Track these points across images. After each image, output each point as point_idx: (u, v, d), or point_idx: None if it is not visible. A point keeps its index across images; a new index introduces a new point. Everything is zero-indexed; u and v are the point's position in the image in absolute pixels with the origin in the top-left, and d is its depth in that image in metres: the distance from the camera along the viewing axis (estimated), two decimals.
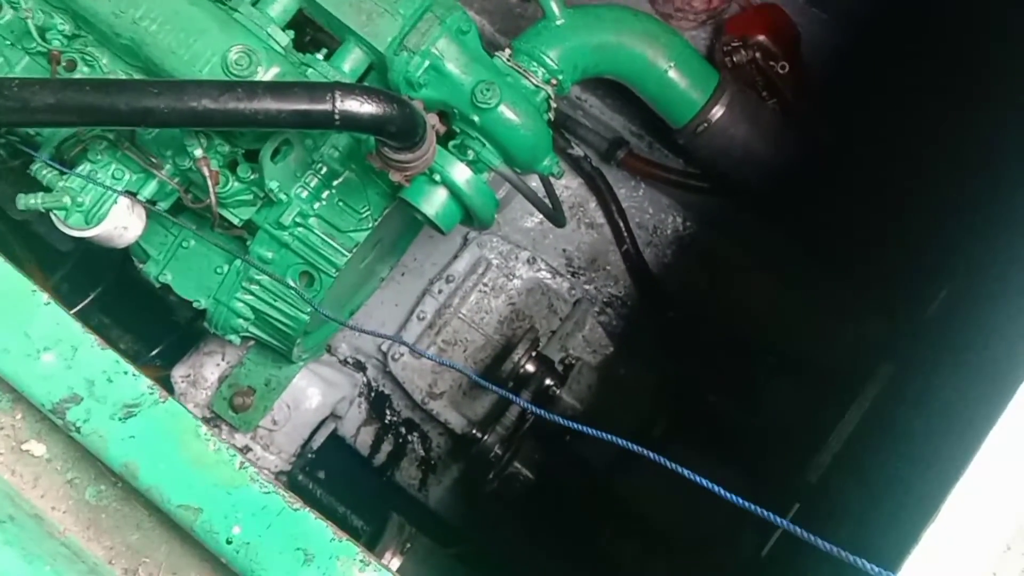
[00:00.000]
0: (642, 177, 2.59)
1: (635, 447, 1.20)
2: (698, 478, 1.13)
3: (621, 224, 2.56)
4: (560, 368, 2.33)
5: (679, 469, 1.15)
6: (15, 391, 0.70)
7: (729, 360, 2.35)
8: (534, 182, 2.01)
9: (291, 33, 1.75)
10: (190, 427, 0.66)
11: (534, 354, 2.27)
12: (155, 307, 2.54)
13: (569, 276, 2.60)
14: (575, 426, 1.29)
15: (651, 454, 1.18)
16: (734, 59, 2.40)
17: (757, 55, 2.42)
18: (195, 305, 1.96)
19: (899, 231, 2.24)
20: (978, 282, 1.79)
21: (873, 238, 2.30)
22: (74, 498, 0.69)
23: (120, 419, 0.67)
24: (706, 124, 2.05)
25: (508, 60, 1.84)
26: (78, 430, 0.67)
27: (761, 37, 2.44)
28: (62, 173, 1.66)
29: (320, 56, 1.77)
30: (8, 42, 1.72)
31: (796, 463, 2.03)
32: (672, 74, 1.99)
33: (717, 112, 2.04)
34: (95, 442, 0.68)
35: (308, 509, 0.75)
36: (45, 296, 0.70)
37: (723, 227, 2.57)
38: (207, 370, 2.31)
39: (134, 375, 0.68)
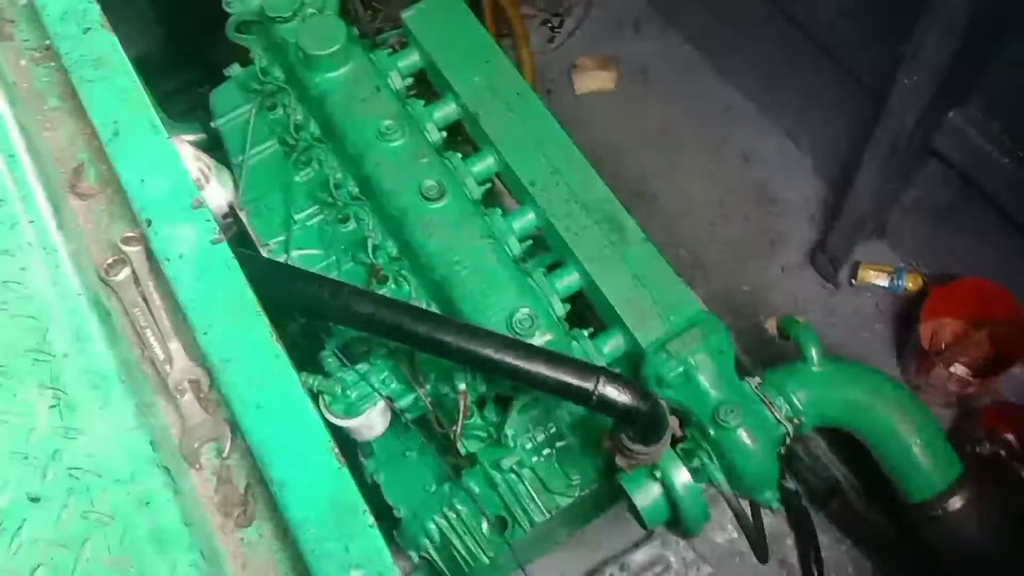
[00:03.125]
0: (850, 534, 2.48)
1: None
2: None
3: (816, 573, 2.43)
4: None
5: None
6: None
7: None
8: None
9: (568, 306, 1.93)
10: None
11: None
12: None
13: None
14: None
15: None
16: (977, 448, 2.34)
17: (1002, 452, 2.34)
18: (395, 512, 2.06)
19: None
20: None
21: None
22: None
23: None
24: (941, 511, 1.97)
25: (756, 388, 1.91)
26: None
27: (1010, 436, 2.37)
28: (343, 365, 1.88)
29: (586, 333, 1.92)
30: (343, 247, 2.03)
31: None
32: (916, 450, 1.96)
33: (956, 503, 1.97)
34: None
35: None
36: (371, 519, 0.81)
37: None
38: None
39: None
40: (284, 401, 0.86)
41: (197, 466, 0.92)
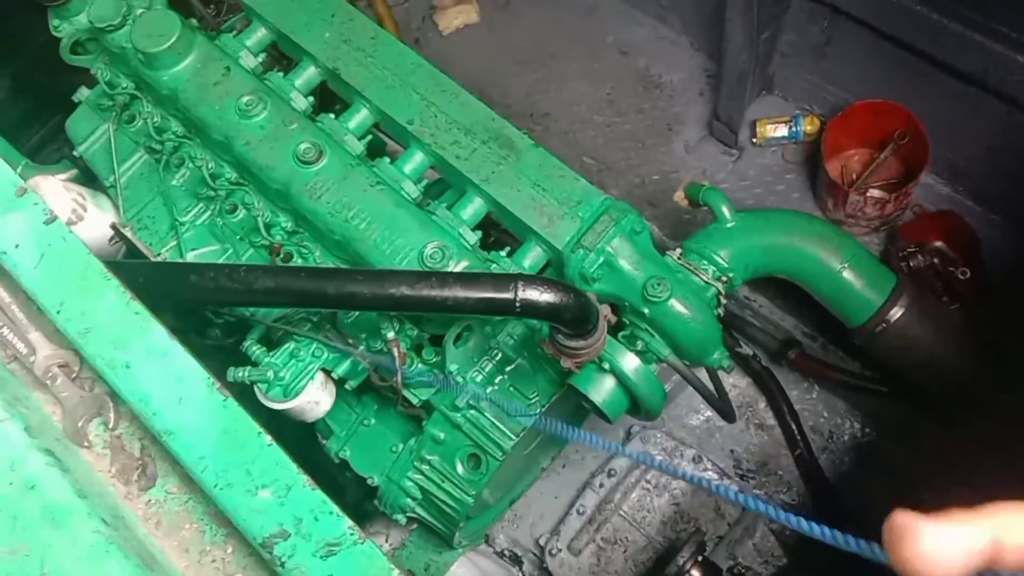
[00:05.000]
0: (816, 379, 2.52)
1: None
2: None
3: (794, 427, 2.47)
4: None
5: None
6: (231, 525, 0.78)
7: None
8: (702, 377, 2.01)
9: (479, 233, 1.91)
10: (384, 569, 0.70)
11: (700, 559, 2.16)
12: (325, 483, 2.66)
13: (737, 479, 2.50)
14: None
15: None
16: (911, 264, 2.38)
17: (935, 261, 2.39)
18: (369, 482, 2.03)
19: None
20: None
21: None
22: None
23: (321, 556, 0.71)
24: (884, 324, 2.01)
25: (679, 258, 1.92)
26: (282, 564, 0.73)
27: (939, 243, 2.42)
28: (269, 349, 1.84)
29: (503, 253, 1.90)
30: (238, 236, 1.98)
31: None
32: (847, 274, 1.98)
33: (896, 312, 2.00)
34: None
35: None
36: (268, 438, 0.79)
37: (906, 436, 2.42)
38: None
39: (338, 515, 0.73)
40: (152, 354, 0.83)
41: (86, 444, 0.88)
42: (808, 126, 2.71)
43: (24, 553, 0.72)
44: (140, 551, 0.76)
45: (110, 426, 0.89)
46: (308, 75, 2.07)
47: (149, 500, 0.84)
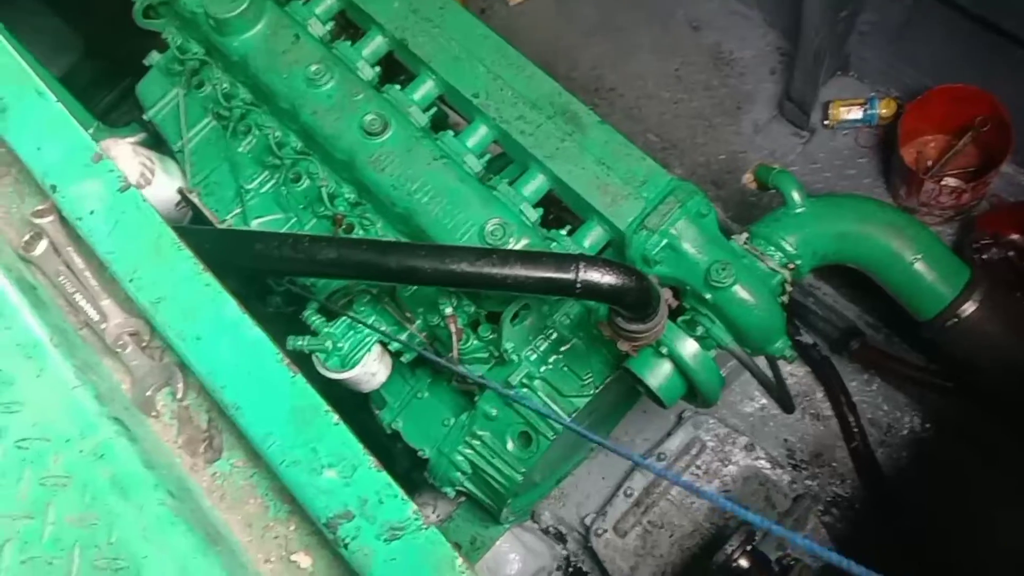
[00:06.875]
0: (877, 371, 2.45)
1: None
2: None
3: (851, 419, 2.41)
4: (776, 568, 2.16)
5: None
6: (295, 502, 0.78)
7: None
8: (761, 365, 1.96)
9: (540, 211, 1.88)
10: (448, 558, 0.70)
11: (749, 548, 2.13)
12: (375, 452, 2.69)
13: (790, 469, 2.46)
14: None
15: None
16: (985, 256, 2.29)
17: (1011, 254, 2.30)
18: (420, 454, 2.05)
19: None
20: None
21: None
22: None
23: (385, 540, 0.71)
24: (956, 319, 1.93)
25: (745, 243, 1.87)
26: (346, 546, 0.73)
27: (1015, 236, 2.32)
28: (329, 320, 1.85)
29: (564, 232, 1.88)
30: (301, 205, 1.99)
31: None
32: (919, 266, 1.91)
33: (969, 307, 1.92)
34: (359, 559, 0.73)
35: None
36: (335, 417, 0.78)
37: (968, 434, 2.35)
38: None
39: (403, 499, 0.73)
40: (223, 326, 0.83)
41: (154, 414, 0.90)
42: (884, 109, 2.61)
43: (92, 521, 0.73)
44: (205, 524, 0.77)
45: (178, 396, 0.90)
46: (375, 45, 2.05)
47: (215, 473, 0.85)
